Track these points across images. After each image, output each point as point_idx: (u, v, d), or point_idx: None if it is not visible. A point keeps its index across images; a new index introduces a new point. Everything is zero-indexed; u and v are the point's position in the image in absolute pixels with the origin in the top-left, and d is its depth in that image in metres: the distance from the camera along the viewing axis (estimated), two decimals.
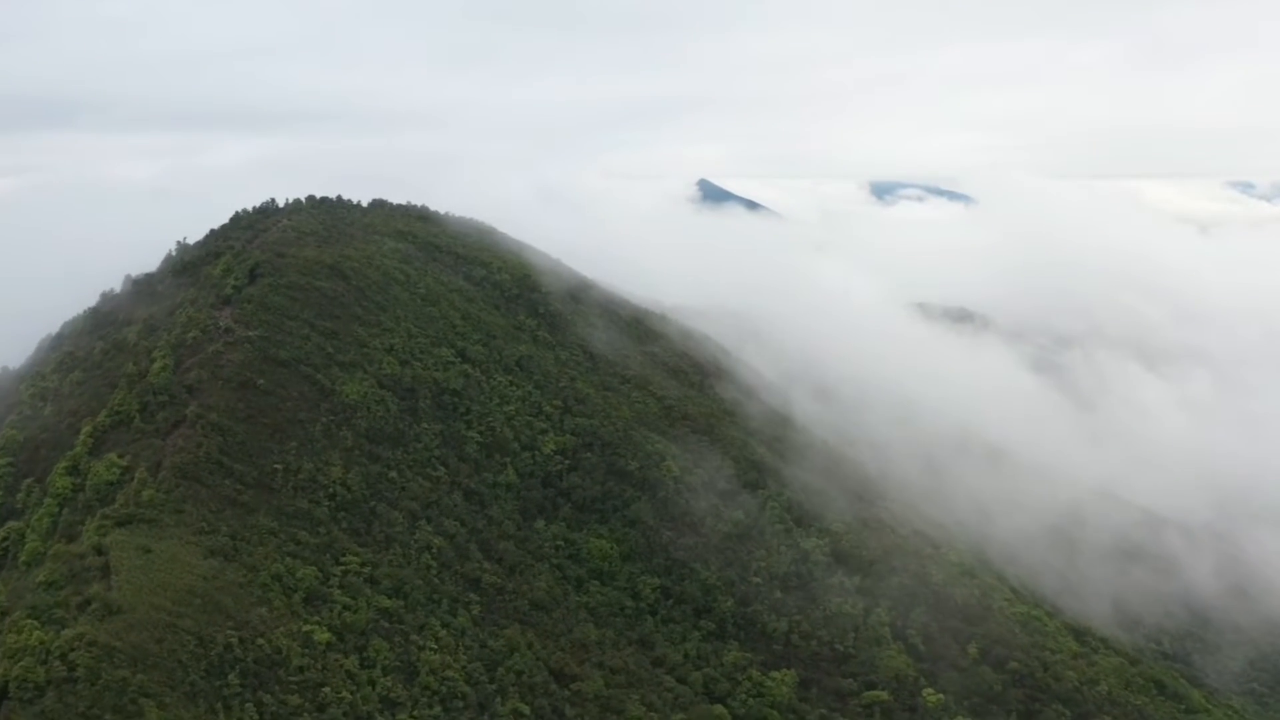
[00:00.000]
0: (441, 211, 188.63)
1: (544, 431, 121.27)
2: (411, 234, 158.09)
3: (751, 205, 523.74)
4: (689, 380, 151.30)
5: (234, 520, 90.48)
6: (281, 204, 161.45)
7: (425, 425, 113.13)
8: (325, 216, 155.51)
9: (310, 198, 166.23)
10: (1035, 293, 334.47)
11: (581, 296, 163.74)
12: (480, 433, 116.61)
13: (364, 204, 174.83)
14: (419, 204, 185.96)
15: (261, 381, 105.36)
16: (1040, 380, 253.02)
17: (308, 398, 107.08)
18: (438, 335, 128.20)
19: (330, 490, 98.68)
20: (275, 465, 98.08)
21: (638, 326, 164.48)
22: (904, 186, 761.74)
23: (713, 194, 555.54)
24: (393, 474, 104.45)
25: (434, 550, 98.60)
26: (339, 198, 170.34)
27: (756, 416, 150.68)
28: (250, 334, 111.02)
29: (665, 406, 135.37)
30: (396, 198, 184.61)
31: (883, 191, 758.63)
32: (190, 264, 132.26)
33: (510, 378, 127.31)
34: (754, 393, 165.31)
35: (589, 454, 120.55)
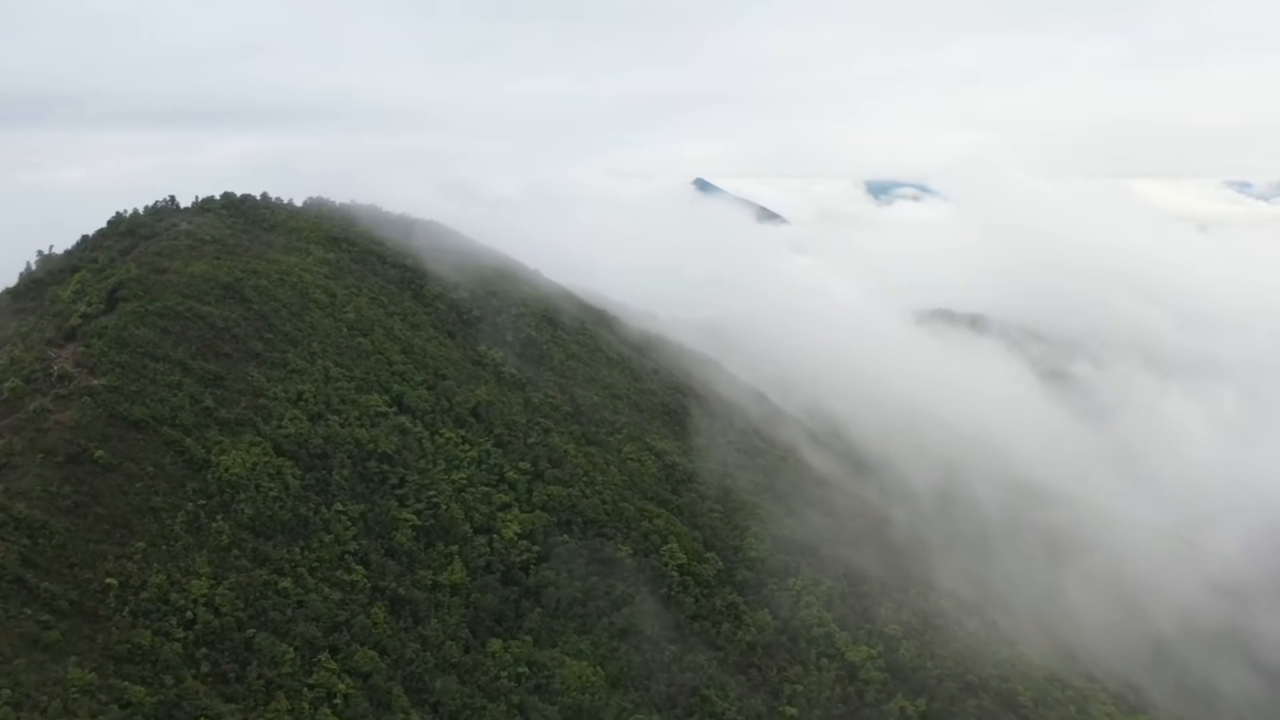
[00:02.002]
0: (396, 212, 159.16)
1: (506, 507, 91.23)
2: (348, 241, 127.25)
3: (746, 205, 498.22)
4: (694, 425, 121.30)
5: (27, 675, 60.07)
6: (187, 203, 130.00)
7: (340, 506, 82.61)
8: (239, 220, 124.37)
9: (227, 195, 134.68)
10: (1035, 293, 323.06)
11: (561, 318, 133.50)
12: (418, 513, 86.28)
13: (297, 203, 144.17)
14: (366, 203, 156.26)
15: (101, 453, 74.55)
16: (1052, 391, 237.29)
17: (169, 475, 76.32)
18: (367, 377, 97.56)
19: (188, 615, 68.26)
20: (108, 579, 67.71)
21: (631, 354, 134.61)
22: (900, 186, 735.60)
23: (708, 193, 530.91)
24: (285, 583, 73.96)
25: (338, 701, 68.45)
26: (264, 196, 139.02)
27: (776, 470, 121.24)
28: (95, 382, 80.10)
29: (666, 465, 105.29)
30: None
31: (879, 191, 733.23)
32: (40, 282, 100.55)
33: (463, 432, 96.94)
34: (765, 434, 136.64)
35: (566, 537, 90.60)
